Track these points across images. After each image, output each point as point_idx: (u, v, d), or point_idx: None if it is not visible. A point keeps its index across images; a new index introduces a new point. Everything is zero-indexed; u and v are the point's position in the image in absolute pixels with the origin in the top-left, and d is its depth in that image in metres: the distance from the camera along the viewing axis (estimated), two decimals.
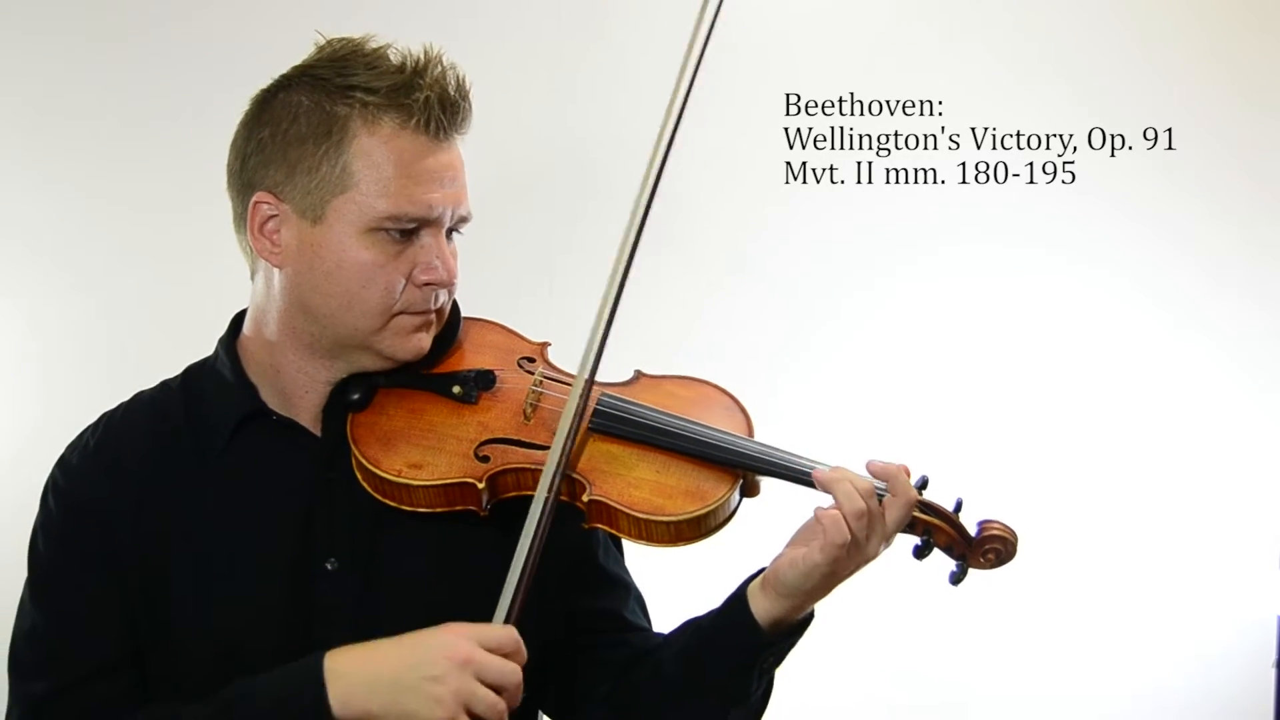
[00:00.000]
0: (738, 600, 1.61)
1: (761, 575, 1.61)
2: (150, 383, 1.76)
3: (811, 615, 1.63)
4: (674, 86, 1.70)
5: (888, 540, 1.56)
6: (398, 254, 1.58)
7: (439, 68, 1.59)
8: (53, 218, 2.89)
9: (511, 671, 1.48)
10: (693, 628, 1.69)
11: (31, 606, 1.65)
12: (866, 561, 1.55)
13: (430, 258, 1.59)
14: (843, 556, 1.52)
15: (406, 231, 1.58)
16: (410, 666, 1.48)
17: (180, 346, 1.86)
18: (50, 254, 2.89)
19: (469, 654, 1.46)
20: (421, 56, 1.59)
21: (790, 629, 1.61)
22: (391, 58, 1.60)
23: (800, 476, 1.59)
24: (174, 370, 1.77)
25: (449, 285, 1.63)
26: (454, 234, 1.65)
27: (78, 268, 2.90)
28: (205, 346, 1.77)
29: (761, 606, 1.59)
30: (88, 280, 2.89)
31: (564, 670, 1.75)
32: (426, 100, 1.56)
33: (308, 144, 1.57)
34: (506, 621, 1.51)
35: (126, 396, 1.75)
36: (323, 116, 1.57)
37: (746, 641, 1.60)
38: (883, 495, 1.55)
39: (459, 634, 1.49)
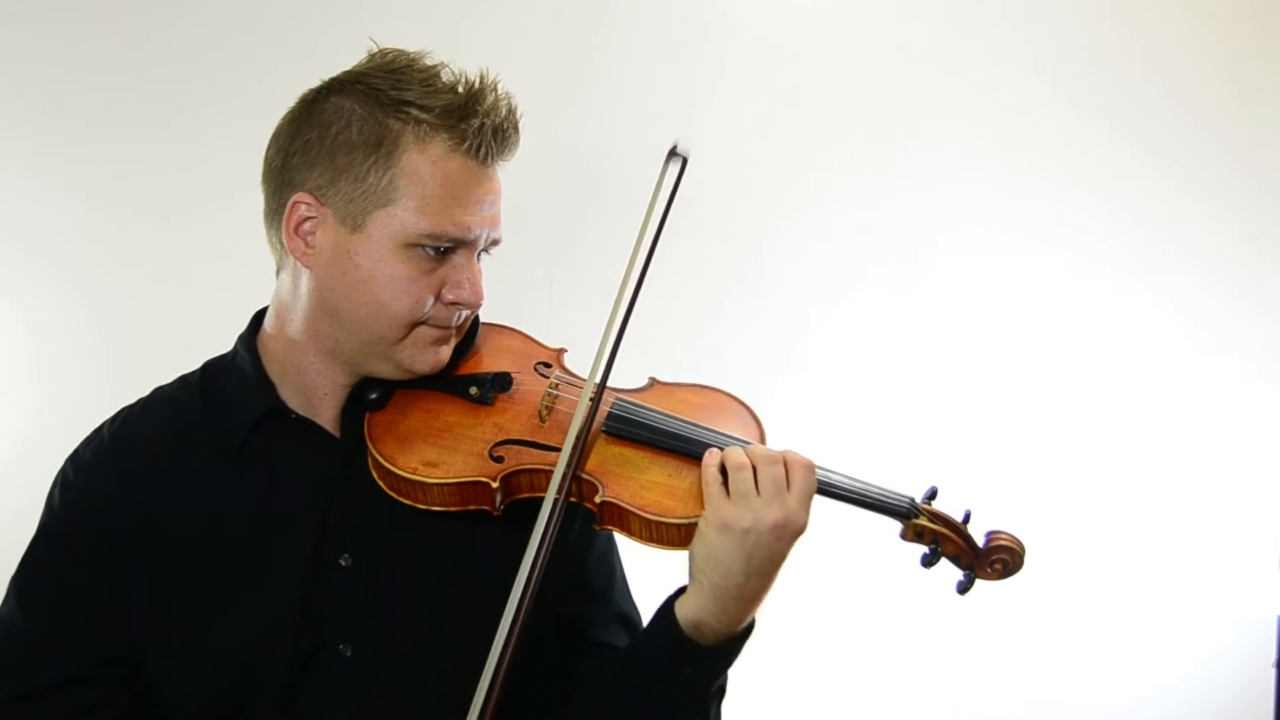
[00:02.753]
0: (666, 600, 1.62)
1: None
2: (148, 383, 1.77)
3: (749, 630, 1.60)
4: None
5: (789, 513, 1.53)
6: (430, 271, 1.60)
7: (494, 95, 1.60)
8: (50, 218, 2.87)
9: None
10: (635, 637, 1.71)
11: (14, 604, 1.65)
12: (760, 522, 1.51)
13: (461, 277, 1.61)
14: (724, 507, 1.51)
15: (441, 250, 1.60)
16: None
17: (178, 347, 1.87)
18: (47, 255, 2.87)
19: None
20: (477, 81, 1.60)
21: (717, 639, 1.58)
22: (444, 77, 1.60)
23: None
24: (172, 371, 1.78)
25: (475, 306, 1.65)
26: (483, 254, 1.67)
27: (75, 269, 2.88)
28: (203, 347, 1.78)
29: (684, 603, 1.58)
30: (85, 281, 2.88)
31: (542, 678, 1.75)
32: (481, 127, 1.58)
33: (356, 152, 1.58)
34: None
35: (123, 398, 1.76)
36: (375, 127, 1.58)
37: (666, 641, 1.59)
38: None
39: None
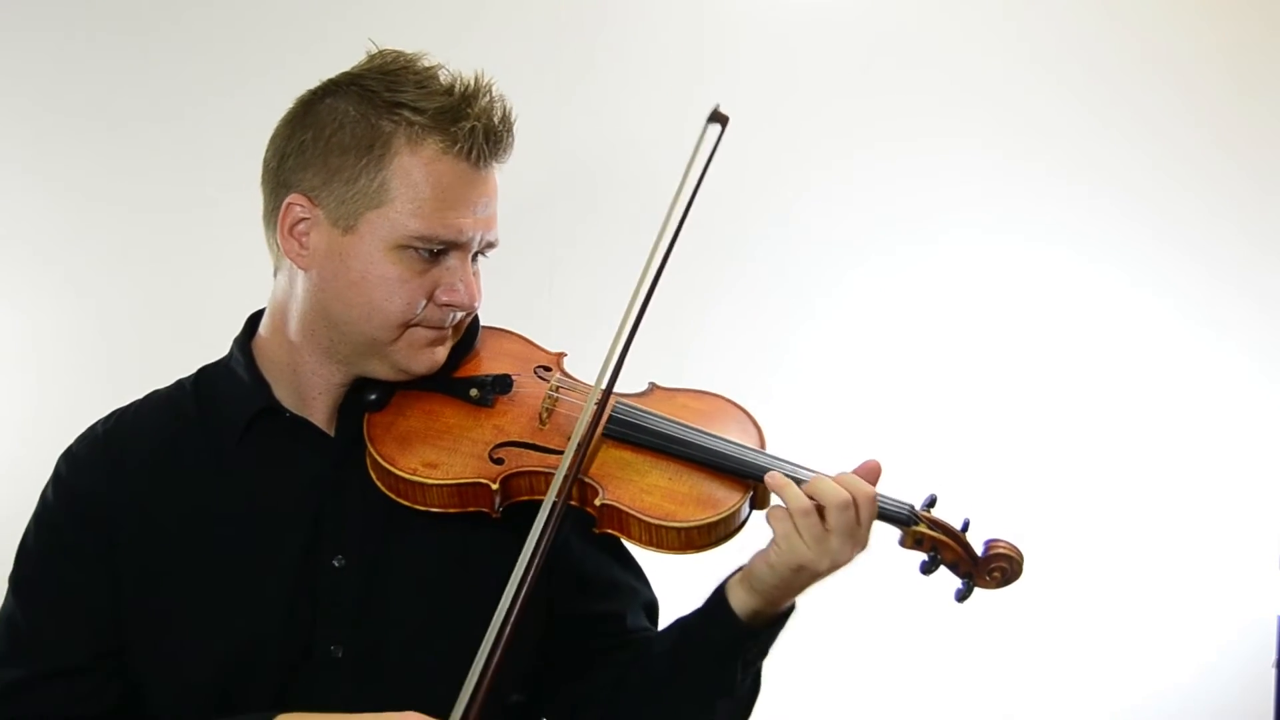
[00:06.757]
0: (717, 596, 1.64)
1: (740, 571, 1.63)
2: (146, 383, 1.77)
3: (793, 607, 1.65)
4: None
5: (862, 545, 1.57)
6: (423, 272, 1.60)
7: (488, 97, 1.60)
8: (51, 218, 2.87)
9: None
10: (679, 626, 1.71)
11: (12, 596, 1.66)
12: (838, 563, 1.57)
13: (454, 280, 1.61)
14: (803, 551, 1.54)
15: (434, 252, 1.60)
16: None
17: (177, 347, 1.88)
18: (46, 254, 2.87)
19: None
20: (471, 83, 1.60)
21: (771, 620, 1.63)
22: (441, 78, 1.60)
23: None
24: (170, 370, 1.78)
25: (469, 309, 1.65)
26: (479, 257, 1.66)
27: (73, 268, 2.88)
28: (202, 346, 1.78)
29: (739, 599, 1.61)
30: (83, 281, 2.87)
31: (567, 673, 1.76)
32: (472, 130, 1.57)
33: (349, 154, 1.58)
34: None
35: (123, 398, 1.76)
36: (367, 129, 1.58)
37: (728, 634, 1.62)
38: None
39: None
